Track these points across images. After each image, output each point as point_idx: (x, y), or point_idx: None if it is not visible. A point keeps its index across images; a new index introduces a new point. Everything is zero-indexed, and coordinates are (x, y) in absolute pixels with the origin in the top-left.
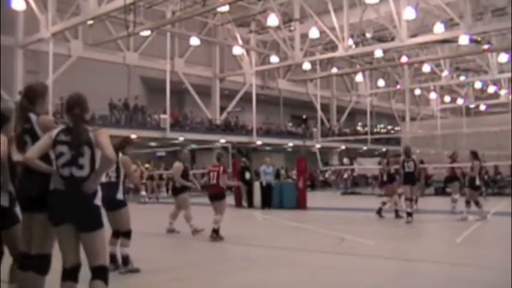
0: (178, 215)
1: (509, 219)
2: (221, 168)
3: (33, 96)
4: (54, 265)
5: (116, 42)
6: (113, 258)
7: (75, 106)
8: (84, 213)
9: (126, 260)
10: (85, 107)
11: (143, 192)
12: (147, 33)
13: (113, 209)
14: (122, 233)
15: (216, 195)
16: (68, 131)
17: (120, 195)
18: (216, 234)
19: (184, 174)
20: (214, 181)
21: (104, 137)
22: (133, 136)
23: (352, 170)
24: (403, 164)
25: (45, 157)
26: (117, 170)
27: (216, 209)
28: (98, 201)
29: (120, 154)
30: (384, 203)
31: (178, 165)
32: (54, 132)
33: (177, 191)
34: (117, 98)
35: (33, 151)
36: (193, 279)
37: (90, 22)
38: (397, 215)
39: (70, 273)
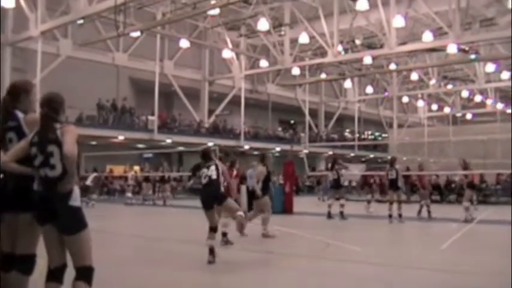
0: (256, 217)
1: (495, 227)
2: (232, 172)
3: (16, 93)
4: (40, 265)
5: (105, 43)
6: (211, 251)
7: (44, 105)
8: (61, 215)
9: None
10: (55, 107)
11: (129, 194)
12: (137, 34)
13: (221, 203)
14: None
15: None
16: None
17: (222, 190)
18: (226, 238)
19: (266, 179)
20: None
21: (68, 133)
22: (120, 137)
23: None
24: (387, 173)
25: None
26: (217, 168)
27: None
28: (75, 201)
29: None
30: (342, 206)
31: (262, 170)
32: (32, 134)
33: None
34: (105, 98)
35: (9, 154)
36: (177, 283)
37: (80, 21)
38: (329, 216)
39: (55, 274)
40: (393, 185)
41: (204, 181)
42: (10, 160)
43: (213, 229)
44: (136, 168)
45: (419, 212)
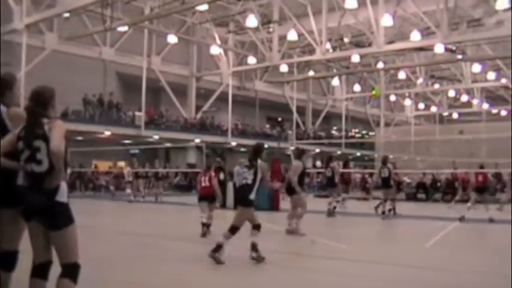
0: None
1: (479, 225)
2: (211, 174)
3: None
4: (25, 262)
5: (92, 37)
6: (218, 247)
7: (32, 99)
8: (47, 211)
9: (254, 246)
10: (44, 101)
11: (128, 190)
12: (124, 28)
13: (245, 206)
14: (253, 226)
15: (209, 196)
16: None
17: (252, 196)
18: (206, 229)
19: (302, 175)
20: (207, 183)
21: (56, 129)
22: (107, 133)
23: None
24: (380, 171)
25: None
26: (255, 173)
27: (209, 208)
28: (61, 197)
29: (259, 160)
30: (330, 203)
31: (298, 165)
32: (19, 128)
33: (293, 190)
34: (91, 93)
35: None
36: (161, 279)
37: (66, 15)
38: (330, 213)
39: (39, 270)
40: (386, 183)
41: (241, 182)
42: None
43: (255, 227)
44: (123, 164)
45: (390, 209)
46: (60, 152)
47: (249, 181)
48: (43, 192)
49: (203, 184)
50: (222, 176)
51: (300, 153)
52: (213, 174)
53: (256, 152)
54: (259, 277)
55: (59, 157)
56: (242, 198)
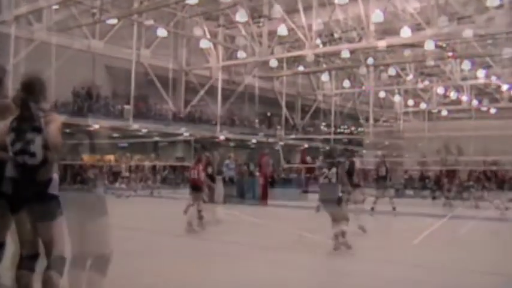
0: (362, 210)
1: (465, 222)
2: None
3: None
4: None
5: (81, 29)
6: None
7: (23, 90)
8: (37, 202)
9: (343, 234)
10: (35, 93)
11: (123, 185)
12: (113, 21)
13: (337, 203)
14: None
15: (197, 187)
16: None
17: (340, 194)
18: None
19: (350, 175)
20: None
21: (53, 123)
22: (95, 126)
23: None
24: (378, 169)
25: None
26: (337, 173)
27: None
28: (53, 190)
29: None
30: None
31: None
32: (11, 118)
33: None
34: (80, 85)
35: None
36: (145, 272)
37: (55, 7)
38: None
39: (26, 263)
40: (383, 181)
41: (323, 181)
42: None
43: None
44: (111, 157)
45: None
46: (59, 146)
47: (334, 180)
48: (35, 184)
49: (192, 176)
50: (210, 170)
51: (350, 155)
52: (201, 167)
53: (331, 155)
54: (241, 270)
55: (57, 151)
56: (331, 196)
